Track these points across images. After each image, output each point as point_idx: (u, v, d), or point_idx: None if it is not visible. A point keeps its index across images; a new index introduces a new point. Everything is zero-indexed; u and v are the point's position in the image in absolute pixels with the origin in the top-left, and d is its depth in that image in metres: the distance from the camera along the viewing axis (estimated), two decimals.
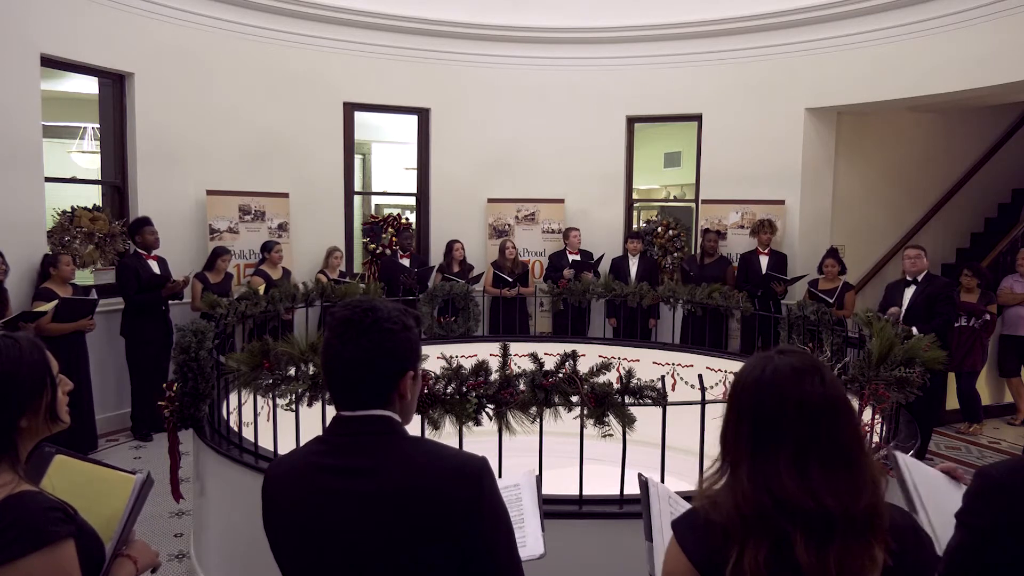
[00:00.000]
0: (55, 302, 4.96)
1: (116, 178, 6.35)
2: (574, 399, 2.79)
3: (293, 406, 3.04)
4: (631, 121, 8.16)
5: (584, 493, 2.86)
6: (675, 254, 7.94)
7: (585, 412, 2.80)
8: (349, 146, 7.79)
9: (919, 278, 5.61)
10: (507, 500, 1.96)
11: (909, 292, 5.64)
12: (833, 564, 1.14)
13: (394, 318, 1.35)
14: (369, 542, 1.29)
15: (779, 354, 1.27)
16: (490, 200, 8.09)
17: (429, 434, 2.70)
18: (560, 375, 2.82)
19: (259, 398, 3.27)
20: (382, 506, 1.28)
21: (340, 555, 1.30)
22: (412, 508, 1.28)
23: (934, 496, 1.69)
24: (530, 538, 1.85)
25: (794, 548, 1.15)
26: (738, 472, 1.22)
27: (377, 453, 1.33)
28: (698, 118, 7.89)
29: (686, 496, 2.10)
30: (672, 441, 2.89)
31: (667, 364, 5.88)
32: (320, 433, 1.44)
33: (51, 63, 5.71)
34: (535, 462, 2.85)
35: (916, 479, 1.69)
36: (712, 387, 4.41)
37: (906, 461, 1.73)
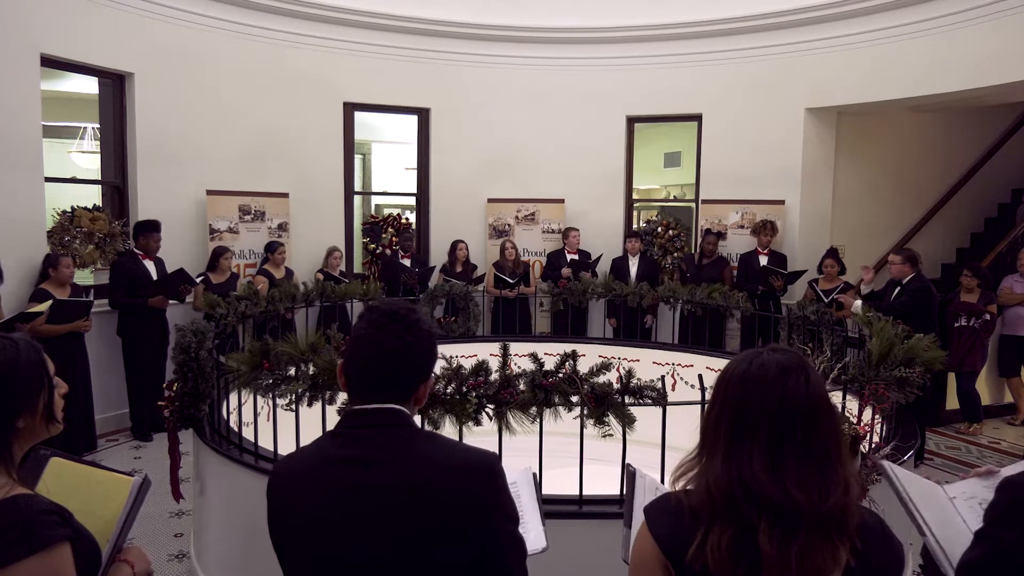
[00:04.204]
0: (49, 302, 4.96)
1: (116, 178, 6.35)
2: (574, 399, 2.80)
3: (293, 406, 3.04)
4: (631, 121, 8.16)
5: (584, 493, 2.86)
6: (675, 254, 7.94)
7: (585, 412, 2.80)
8: (349, 146, 7.80)
9: (904, 282, 5.70)
10: None
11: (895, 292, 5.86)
12: (794, 558, 1.16)
13: (429, 322, 1.43)
14: (383, 534, 1.29)
15: (769, 351, 1.29)
16: (490, 200, 8.09)
17: None
18: (560, 375, 2.82)
19: (259, 398, 3.27)
20: (397, 498, 1.29)
21: (354, 547, 1.30)
22: (427, 501, 1.29)
23: (931, 506, 1.64)
24: (531, 533, 1.86)
25: (758, 537, 1.17)
26: (713, 459, 1.25)
27: (394, 446, 1.34)
28: (698, 118, 7.89)
29: None
30: (672, 441, 2.88)
31: (667, 364, 5.88)
32: (321, 433, 1.45)
33: (51, 63, 5.70)
34: (535, 462, 2.85)
35: (909, 490, 1.65)
36: (712, 387, 4.41)
37: (895, 471, 1.70)
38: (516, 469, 2.12)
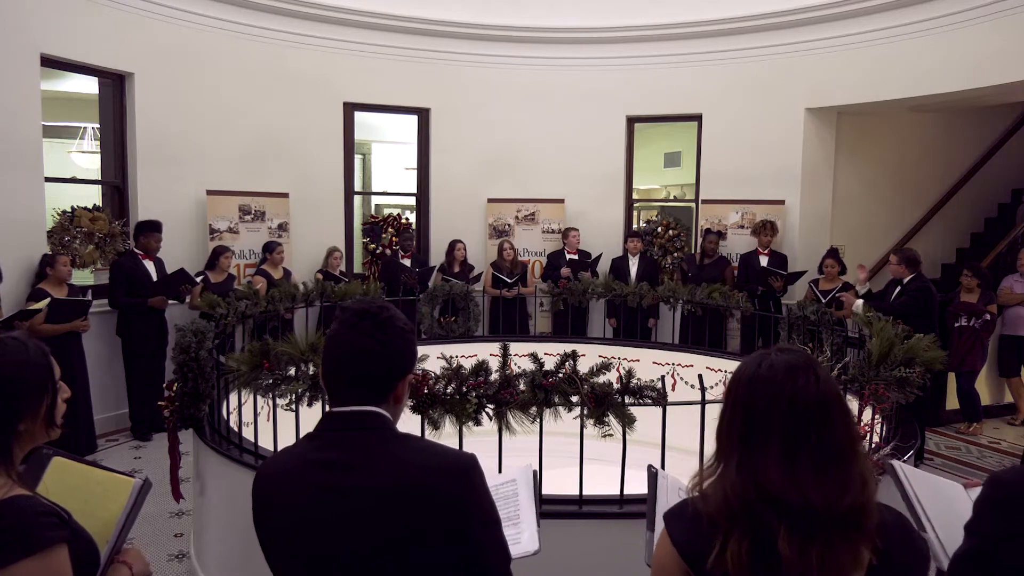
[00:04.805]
0: (47, 300, 4.96)
1: (116, 178, 6.35)
2: (574, 399, 2.79)
3: (293, 406, 3.04)
4: (631, 121, 8.16)
5: (584, 493, 2.86)
6: (675, 254, 7.94)
7: (585, 412, 2.80)
8: (349, 146, 7.79)
9: (904, 281, 5.71)
10: (503, 496, 1.95)
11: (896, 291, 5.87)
12: (815, 560, 1.14)
13: (404, 319, 1.41)
14: (360, 537, 1.29)
15: (777, 352, 1.28)
16: (490, 200, 8.09)
17: (429, 434, 2.70)
18: (560, 375, 2.82)
19: (259, 398, 3.27)
20: (373, 501, 1.29)
21: (332, 550, 1.30)
22: (403, 503, 1.28)
23: (936, 504, 1.64)
24: (525, 534, 1.85)
25: (777, 541, 1.15)
26: (729, 464, 1.24)
27: (369, 448, 1.33)
28: (698, 118, 7.89)
29: None
30: (672, 441, 2.89)
31: (667, 364, 5.88)
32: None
33: (51, 63, 5.70)
34: (535, 462, 2.85)
35: (916, 488, 1.65)
36: (712, 387, 4.41)
37: (904, 470, 1.70)
38: (517, 467, 2.11)
